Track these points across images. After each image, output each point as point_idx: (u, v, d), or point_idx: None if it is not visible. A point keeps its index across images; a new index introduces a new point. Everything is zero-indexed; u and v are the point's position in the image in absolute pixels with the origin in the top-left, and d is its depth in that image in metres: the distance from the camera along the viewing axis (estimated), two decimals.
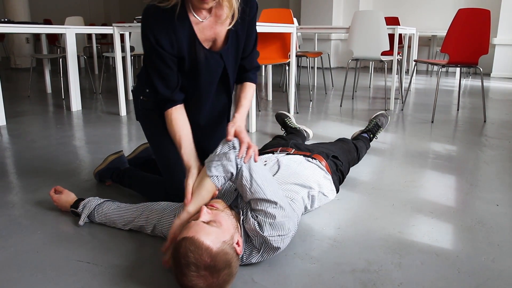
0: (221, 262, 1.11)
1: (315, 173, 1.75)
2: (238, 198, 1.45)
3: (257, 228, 1.29)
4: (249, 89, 1.70)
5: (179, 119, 1.54)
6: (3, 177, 2.17)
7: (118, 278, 1.28)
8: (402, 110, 4.07)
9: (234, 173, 1.36)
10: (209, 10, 1.50)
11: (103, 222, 1.61)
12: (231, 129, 1.42)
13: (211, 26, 1.52)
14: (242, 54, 1.65)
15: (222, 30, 1.54)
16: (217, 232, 1.17)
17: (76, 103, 4.09)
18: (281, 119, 2.77)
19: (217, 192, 1.41)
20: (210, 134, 1.76)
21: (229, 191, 1.50)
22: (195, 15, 1.49)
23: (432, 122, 3.51)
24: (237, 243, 1.22)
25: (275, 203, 1.31)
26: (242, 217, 1.35)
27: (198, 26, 1.51)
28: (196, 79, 1.60)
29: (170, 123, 1.54)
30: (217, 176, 1.36)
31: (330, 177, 1.82)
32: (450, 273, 1.31)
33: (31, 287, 1.24)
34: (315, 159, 1.84)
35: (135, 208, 1.58)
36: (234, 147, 1.38)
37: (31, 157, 2.50)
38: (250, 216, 1.32)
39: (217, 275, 1.10)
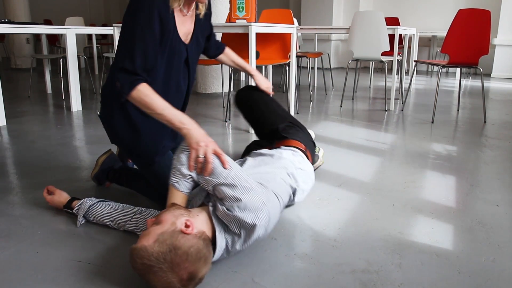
0: (162, 249, 1.12)
1: (283, 154, 1.75)
2: (209, 195, 1.44)
3: (227, 211, 1.28)
4: (232, 52, 2.06)
5: (155, 92, 1.45)
6: (3, 177, 2.17)
7: (118, 278, 1.28)
8: (402, 110, 4.07)
9: (192, 174, 1.37)
10: (191, 5, 1.58)
11: (98, 222, 1.62)
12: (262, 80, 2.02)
13: (187, 23, 1.60)
14: (210, 46, 1.91)
15: (192, 25, 1.64)
16: (155, 229, 1.19)
17: (76, 103, 4.09)
18: None
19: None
20: None
21: (199, 190, 1.50)
22: (182, 8, 1.55)
23: (432, 122, 3.51)
24: (186, 225, 1.20)
25: (234, 185, 1.29)
26: (211, 208, 1.33)
27: (180, 19, 1.55)
28: (167, 67, 1.58)
29: (149, 94, 1.42)
30: (177, 182, 1.38)
31: (301, 153, 1.80)
32: (450, 274, 1.31)
33: (31, 286, 1.24)
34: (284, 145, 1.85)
35: (125, 212, 1.59)
36: (186, 150, 1.39)
37: (31, 158, 2.50)
38: (218, 204, 1.31)
39: (170, 260, 1.11)
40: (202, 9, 1.65)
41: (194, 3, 1.59)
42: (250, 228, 1.28)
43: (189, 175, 1.38)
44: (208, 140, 1.39)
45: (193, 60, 1.69)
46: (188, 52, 1.64)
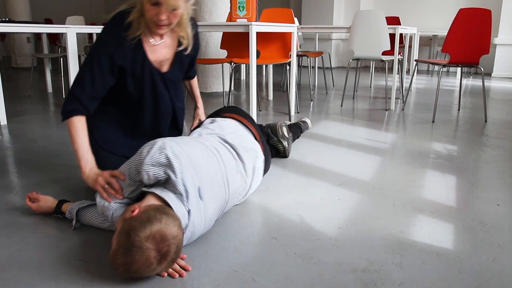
0: (122, 240, 1.19)
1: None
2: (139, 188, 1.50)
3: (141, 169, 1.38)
4: (196, 83, 2.22)
5: (83, 128, 1.64)
6: (4, 176, 2.17)
7: (118, 277, 1.28)
8: (403, 109, 4.07)
9: (113, 204, 1.49)
10: (162, 35, 1.71)
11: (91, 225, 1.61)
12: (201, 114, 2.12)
13: (159, 51, 1.72)
14: (187, 67, 1.96)
15: (170, 53, 1.75)
16: (114, 236, 1.27)
17: None
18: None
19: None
20: (155, 137, 1.80)
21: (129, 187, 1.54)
22: (151, 38, 1.68)
23: (433, 122, 3.51)
24: (132, 211, 1.26)
25: (139, 171, 1.40)
26: (149, 189, 1.40)
27: (150, 48, 1.69)
28: (141, 92, 1.76)
29: (77, 131, 1.62)
30: (112, 210, 1.50)
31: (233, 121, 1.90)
32: (451, 273, 1.31)
33: (31, 286, 1.24)
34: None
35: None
36: (95, 192, 1.55)
37: (32, 157, 2.50)
38: (143, 175, 1.39)
39: (132, 241, 1.16)
40: (184, 41, 1.74)
41: (161, 34, 1.70)
42: (166, 164, 1.37)
43: (113, 202, 1.48)
44: (99, 173, 1.56)
45: (172, 84, 1.83)
46: (165, 78, 1.78)
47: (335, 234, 1.56)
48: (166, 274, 1.29)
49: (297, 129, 2.68)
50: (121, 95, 1.75)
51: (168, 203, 1.34)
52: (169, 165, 1.37)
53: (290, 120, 2.86)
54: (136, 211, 1.25)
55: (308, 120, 2.83)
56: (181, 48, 1.75)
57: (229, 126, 1.84)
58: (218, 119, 1.89)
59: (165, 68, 1.79)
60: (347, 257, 1.40)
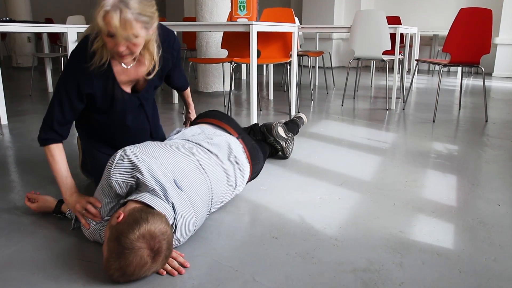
0: (112, 246, 1.20)
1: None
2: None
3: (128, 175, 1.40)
4: (188, 92, 2.22)
5: (61, 155, 1.66)
6: (4, 176, 2.17)
7: None
8: (403, 109, 4.06)
9: (92, 224, 1.49)
10: (133, 59, 1.66)
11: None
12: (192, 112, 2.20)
13: (132, 72, 1.68)
14: (171, 81, 1.97)
15: (143, 71, 1.70)
16: (104, 245, 1.28)
17: None
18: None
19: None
20: None
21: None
22: (120, 62, 1.65)
23: (434, 121, 3.51)
24: (118, 217, 1.27)
25: (110, 185, 1.42)
26: (130, 197, 1.40)
27: (120, 71, 1.66)
28: (115, 114, 1.76)
29: (55, 158, 1.64)
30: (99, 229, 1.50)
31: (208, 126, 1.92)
32: (451, 273, 1.31)
33: (32, 285, 1.24)
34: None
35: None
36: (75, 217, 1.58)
37: (33, 156, 2.51)
38: (115, 186, 1.41)
39: (123, 243, 1.18)
40: (146, 61, 1.66)
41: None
42: (132, 168, 1.39)
43: (94, 224, 1.48)
44: (77, 200, 1.55)
45: (148, 101, 1.83)
46: (139, 97, 1.77)
47: (336, 234, 1.56)
48: (165, 272, 1.29)
49: (294, 126, 2.68)
50: (95, 115, 1.77)
51: (147, 204, 1.34)
52: (134, 167, 1.39)
53: (306, 119, 2.86)
54: (121, 217, 1.26)
55: (303, 116, 2.81)
56: (146, 73, 1.69)
57: (192, 130, 1.87)
58: (182, 129, 1.91)
59: (139, 87, 1.77)
60: (348, 257, 1.40)
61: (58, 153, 1.64)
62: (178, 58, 1.89)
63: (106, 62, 1.59)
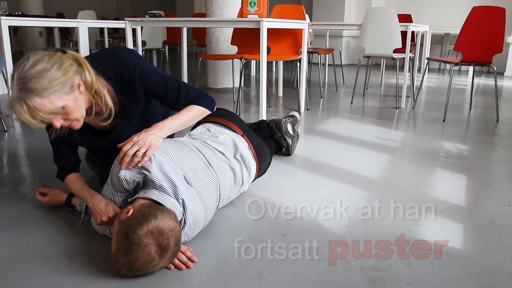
0: (121, 241, 1.22)
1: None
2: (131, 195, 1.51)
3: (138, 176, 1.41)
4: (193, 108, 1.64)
5: (79, 182, 1.67)
6: (15, 169, 2.19)
7: None
8: (413, 108, 4.04)
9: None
10: (90, 110, 1.53)
11: None
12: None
13: (95, 119, 1.62)
14: (164, 102, 1.63)
15: (99, 120, 1.62)
16: (112, 239, 1.29)
17: None
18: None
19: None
20: None
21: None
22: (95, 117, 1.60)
23: (444, 120, 3.48)
24: (127, 212, 1.28)
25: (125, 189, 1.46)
26: (139, 194, 1.41)
27: (89, 121, 1.61)
28: (102, 151, 1.75)
29: (71, 188, 1.67)
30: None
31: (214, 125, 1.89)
32: (460, 273, 1.30)
33: (42, 277, 1.26)
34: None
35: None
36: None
37: (43, 149, 2.53)
38: (122, 181, 1.43)
39: (132, 239, 1.19)
40: (106, 112, 1.54)
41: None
42: (143, 166, 1.40)
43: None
44: (106, 209, 1.48)
45: (128, 133, 1.61)
46: (118, 136, 1.63)
47: (344, 232, 1.56)
48: (173, 266, 1.30)
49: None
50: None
51: (155, 200, 1.35)
52: (142, 165, 1.40)
53: (300, 117, 2.83)
54: (131, 212, 1.28)
55: (296, 114, 2.78)
56: (101, 120, 1.59)
57: (198, 129, 1.87)
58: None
59: (112, 126, 1.67)
60: (356, 255, 1.40)
61: (77, 180, 1.68)
62: (156, 86, 1.59)
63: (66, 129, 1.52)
